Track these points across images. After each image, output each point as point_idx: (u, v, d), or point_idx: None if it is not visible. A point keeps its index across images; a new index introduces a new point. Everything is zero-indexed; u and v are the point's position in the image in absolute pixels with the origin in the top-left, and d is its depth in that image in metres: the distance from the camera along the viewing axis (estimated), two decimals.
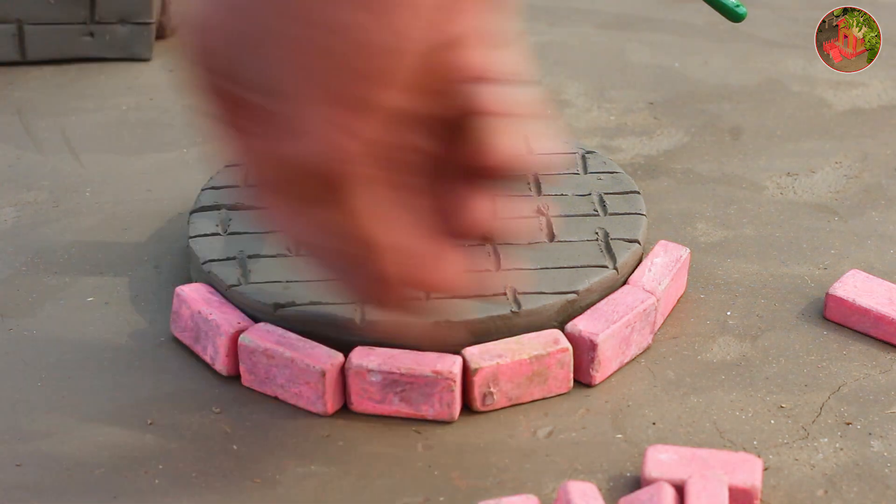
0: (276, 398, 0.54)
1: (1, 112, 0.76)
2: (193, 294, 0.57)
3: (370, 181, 0.44)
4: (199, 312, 0.56)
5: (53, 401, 0.55)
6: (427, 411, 0.53)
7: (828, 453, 0.52)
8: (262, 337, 0.54)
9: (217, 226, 0.60)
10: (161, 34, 0.82)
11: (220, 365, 0.55)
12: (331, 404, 0.53)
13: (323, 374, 0.53)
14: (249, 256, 0.58)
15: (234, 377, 0.56)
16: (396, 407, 0.53)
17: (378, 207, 0.44)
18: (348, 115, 0.42)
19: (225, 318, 0.55)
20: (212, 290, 0.57)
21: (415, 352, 0.54)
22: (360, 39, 0.41)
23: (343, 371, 0.53)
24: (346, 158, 0.43)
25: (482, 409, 0.54)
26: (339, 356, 0.53)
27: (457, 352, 0.54)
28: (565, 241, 0.59)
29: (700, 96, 0.78)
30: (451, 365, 0.53)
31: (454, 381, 0.53)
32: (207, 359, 0.56)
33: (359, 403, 0.54)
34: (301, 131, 0.43)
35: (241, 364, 0.55)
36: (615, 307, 0.56)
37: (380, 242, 0.45)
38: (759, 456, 0.52)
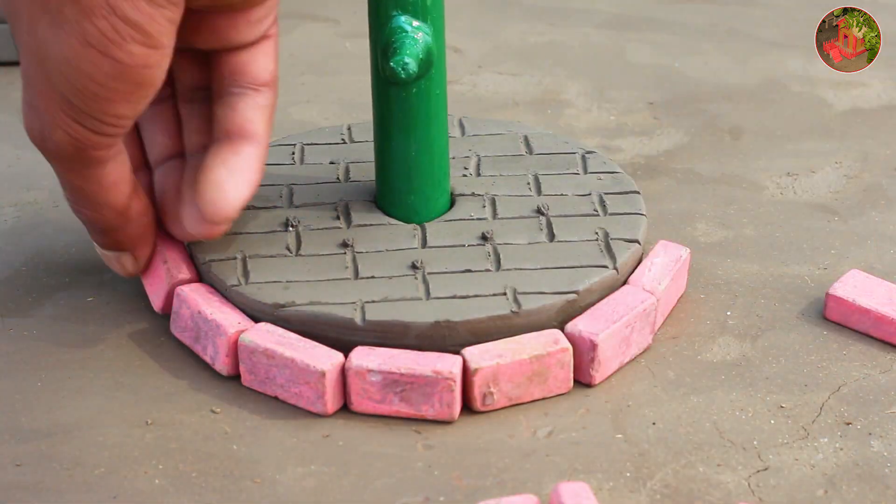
0: (276, 398, 0.55)
1: (1, 112, 0.76)
2: (193, 294, 0.57)
3: (113, 155, 0.52)
4: (200, 312, 0.56)
5: (53, 401, 0.55)
6: (427, 411, 0.53)
7: (828, 453, 0.52)
8: (262, 337, 0.54)
9: None
10: None
11: (220, 365, 0.55)
12: (331, 404, 0.54)
13: (323, 374, 0.53)
14: (249, 256, 0.58)
15: (234, 377, 0.56)
16: (396, 407, 0.53)
17: (119, 176, 0.53)
18: (74, 115, 0.49)
19: (225, 317, 0.55)
20: (212, 289, 0.57)
21: (415, 352, 0.54)
22: (59, 58, 0.48)
23: (343, 371, 0.53)
24: (74, 146, 0.50)
25: (482, 409, 0.54)
26: (340, 356, 0.53)
27: (457, 353, 0.54)
28: (565, 241, 0.59)
29: (700, 96, 0.78)
30: (451, 365, 0.53)
31: (454, 381, 0.53)
32: (207, 359, 0.56)
33: (359, 403, 0.54)
34: (35, 108, 0.50)
35: (241, 364, 0.55)
36: (615, 307, 0.56)
37: (121, 206, 0.54)
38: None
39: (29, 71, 0.49)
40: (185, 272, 0.58)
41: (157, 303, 0.58)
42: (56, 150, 0.50)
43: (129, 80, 0.49)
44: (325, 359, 0.53)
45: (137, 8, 0.48)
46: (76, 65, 0.48)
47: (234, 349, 0.55)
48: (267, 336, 0.54)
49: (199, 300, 0.56)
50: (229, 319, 0.55)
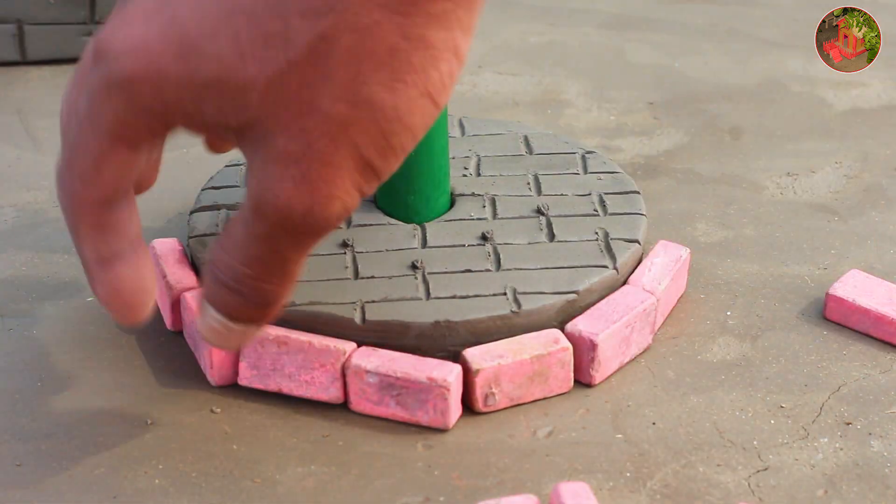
0: (278, 393, 0.54)
1: (1, 112, 0.76)
2: (193, 302, 0.56)
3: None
4: (194, 321, 0.55)
5: (53, 401, 0.55)
6: (422, 417, 0.53)
7: (828, 453, 0.52)
8: (269, 328, 0.54)
9: (217, 226, 0.60)
10: None
11: (210, 376, 0.55)
12: (343, 391, 0.53)
13: (344, 352, 0.53)
14: None
15: (227, 385, 0.55)
16: (393, 410, 0.53)
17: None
18: (365, 179, 0.45)
19: None
20: None
21: (416, 357, 0.53)
22: (390, 117, 0.44)
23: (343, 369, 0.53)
24: (345, 215, 0.46)
25: (484, 409, 0.54)
26: (352, 344, 0.53)
27: (457, 353, 0.54)
28: (565, 241, 0.59)
29: (700, 96, 0.78)
30: (447, 373, 0.53)
31: (447, 390, 0.52)
32: (202, 367, 0.56)
33: (357, 403, 0.54)
34: (312, 184, 0.45)
35: (242, 360, 0.54)
36: (615, 307, 0.56)
37: (293, 280, 0.48)
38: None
39: (317, 145, 0.44)
40: (185, 281, 0.57)
41: (167, 320, 0.58)
42: (316, 225, 0.45)
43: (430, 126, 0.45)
44: (340, 343, 0.53)
45: (467, 42, 0.44)
46: (406, 120, 0.44)
47: (219, 360, 0.54)
48: (272, 328, 0.54)
49: (197, 308, 0.56)
50: None
